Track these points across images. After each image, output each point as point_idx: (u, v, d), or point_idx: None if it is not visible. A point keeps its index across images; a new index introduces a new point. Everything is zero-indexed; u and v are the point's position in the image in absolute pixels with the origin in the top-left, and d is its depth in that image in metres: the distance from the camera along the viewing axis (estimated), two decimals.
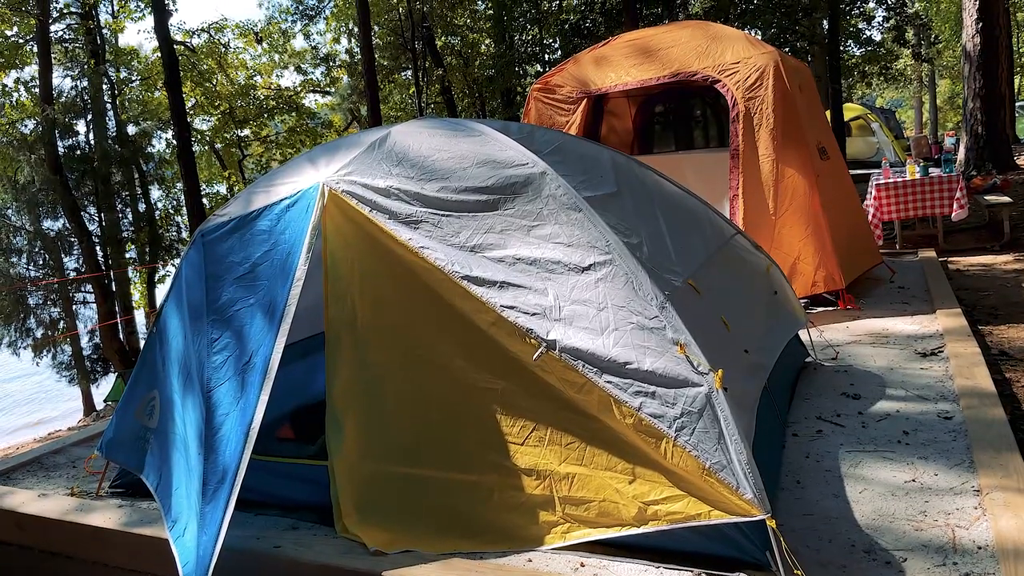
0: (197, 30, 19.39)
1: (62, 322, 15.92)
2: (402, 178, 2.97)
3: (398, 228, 2.79)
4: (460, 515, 2.62)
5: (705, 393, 2.37)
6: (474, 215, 2.88)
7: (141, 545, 2.94)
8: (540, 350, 2.52)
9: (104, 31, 18.73)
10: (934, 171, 8.07)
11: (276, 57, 23.95)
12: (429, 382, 2.74)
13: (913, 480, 2.79)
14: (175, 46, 16.55)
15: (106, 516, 3.11)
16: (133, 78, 18.84)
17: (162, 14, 13.84)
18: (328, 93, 23.87)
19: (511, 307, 2.61)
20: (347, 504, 2.71)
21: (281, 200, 3.01)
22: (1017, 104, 27.00)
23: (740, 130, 5.75)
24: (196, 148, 19.75)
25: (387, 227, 2.79)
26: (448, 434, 2.70)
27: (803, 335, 4.38)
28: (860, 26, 19.11)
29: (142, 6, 18.63)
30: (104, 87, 17.39)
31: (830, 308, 5.59)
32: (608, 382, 2.45)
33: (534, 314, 2.59)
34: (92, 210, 16.46)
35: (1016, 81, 32.45)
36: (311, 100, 22.73)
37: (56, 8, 17.66)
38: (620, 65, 6.53)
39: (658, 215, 3.59)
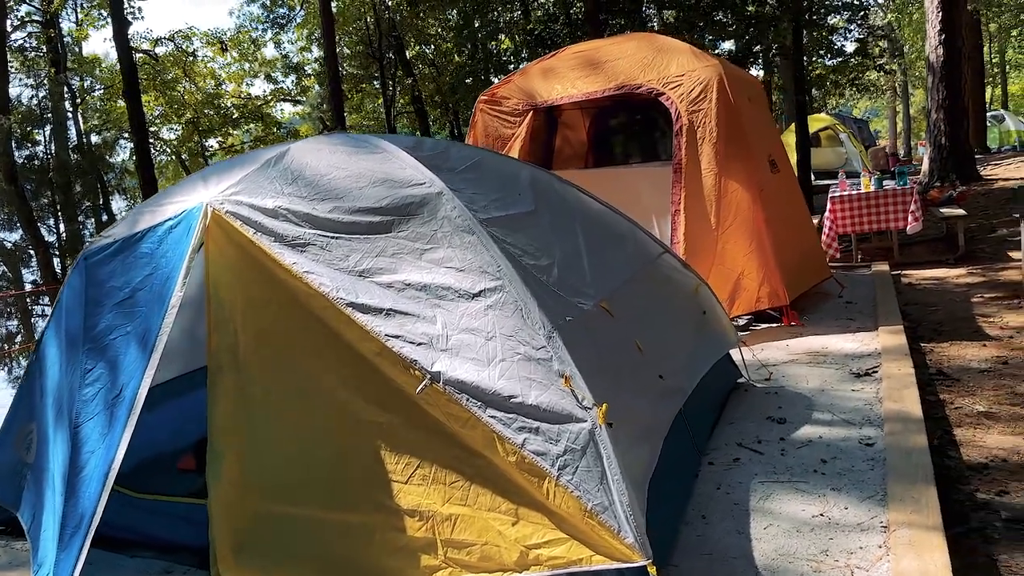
0: (163, 38, 19.12)
1: (19, 335, 15.58)
2: (294, 198, 2.83)
3: (283, 251, 2.64)
4: (341, 559, 2.47)
5: (588, 429, 2.24)
6: (366, 237, 2.73)
7: None
8: (424, 382, 2.38)
9: (67, 39, 18.46)
10: (888, 184, 8.04)
11: (247, 66, 23.71)
12: (313, 415, 2.59)
13: (822, 514, 2.68)
14: (139, 55, 16.33)
15: None
16: (96, 87, 18.52)
17: (121, 23, 13.63)
18: (299, 102, 23.67)
19: (396, 336, 2.46)
20: (224, 546, 2.55)
21: (165, 221, 2.85)
22: (988, 114, 27.37)
23: (683, 144, 5.66)
24: (162, 158, 19.51)
25: (271, 250, 2.64)
26: (331, 471, 2.55)
27: (738, 355, 4.27)
28: (832, 37, 19.23)
29: (105, 14, 18.34)
30: (66, 96, 17.11)
31: (774, 324, 5.50)
32: (492, 417, 2.31)
33: (420, 344, 2.45)
34: (53, 221, 16.17)
35: (988, 92, 32.88)
36: (282, 109, 22.50)
37: (17, 16, 17.39)
38: (567, 77, 6.43)
39: (578, 234, 3.48)
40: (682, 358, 3.50)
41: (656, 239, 4.03)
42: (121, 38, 13.38)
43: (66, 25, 18.62)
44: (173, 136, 20.63)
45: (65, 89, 16.64)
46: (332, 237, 2.72)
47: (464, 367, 2.39)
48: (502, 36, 17.37)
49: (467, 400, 2.34)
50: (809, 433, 3.43)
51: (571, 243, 3.37)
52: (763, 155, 6.06)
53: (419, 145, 3.39)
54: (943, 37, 12.88)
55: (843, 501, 2.76)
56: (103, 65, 18.68)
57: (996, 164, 17.57)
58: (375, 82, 19.26)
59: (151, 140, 19.46)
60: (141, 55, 18.11)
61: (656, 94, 5.87)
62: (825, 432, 3.42)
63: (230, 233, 2.71)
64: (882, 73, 21.22)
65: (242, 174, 2.95)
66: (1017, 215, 6.00)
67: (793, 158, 13.36)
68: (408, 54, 20.22)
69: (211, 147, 19.95)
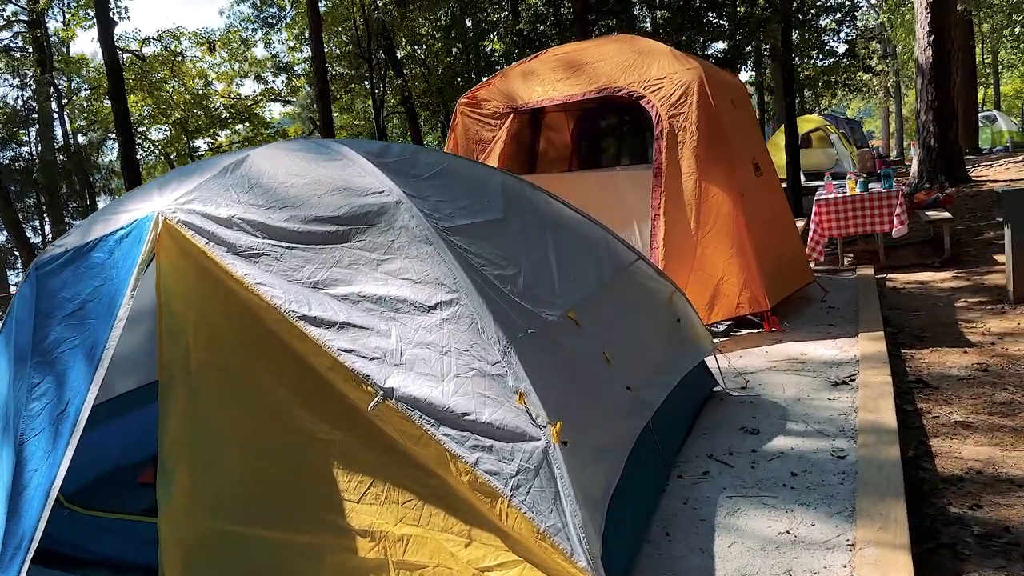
0: (151, 38, 19.00)
1: None
2: (249, 206, 2.76)
3: (236, 262, 2.57)
4: None
5: (542, 448, 2.18)
6: (322, 248, 2.66)
7: None
8: (376, 398, 2.31)
9: (53, 39, 18.32)
10: (874, 187, 7.99)
11: (236, 66, 23.59)
12: (265, 431, 2.52)
13: (788, 531, 2.61)
14: (126, 55, 16.22)
15: None
16: (83, 87, 18.40)
17: (107, 23, 13.49)
18: (289, 102, 23.57)
19: (349, 350, 2.40)
20: (172, 566, 2.48)
21: (117, 231, 2.77)
22: (980, 115, 27.39)
23: (664, 147, 5.60)
24: (151, 159, 19.39)
25: (224, 261, 2.57)
26: (282, 489, 2.48)
27: (716, 363, 4.21)
28: (824, 38, 19.21)
29: (92, 14, 18.22)
30: (52, 96, 16.98)
31: (755, 330, 5.44)
32: (445, 435, 2.25)
33: (374, 358, 2.39)
34: (39, 223, 16.04)
35: (980, 92, 32.92)
36: (270, 110, 22.39)
37: (3, 16, 17.26)
38: (548, 79, 6.37)
39: (548, 241, 3.42)
40: (653, 368, 3.43)
41: (630, 246, 3.97)
42: (107, 38, 13.26)
43: (52, 25, 18.49)
44: (161, 136, 20.50)
45: (51, 89, 16.50)
46: (287, 247, 2.65)
47: (418, 383, 2.32)
48: (492, 36, 17.31)
49: (420, 417, 2.27)
50: (781, 445, 3.37)
51: (540, 251, 3.31)
52: (746, 159, 6.01)
53: (385, 151, 3.31)
54: (932, 39, 12.85)
55: (811, 517, 2.70)
56: (90, 65, 18.54)
57: (987, 165, 17.57)
58: (365, 82, 19.16)
59: (139, 141, 19.36)
60: (128, 55, 17.99)
61: (637, 97, 5.81)
62: (798, 444, 3.36)
63: (182, 243, 2.64)
64: (872, 75, 21.20)
65: (198, 181, 2.88)
66: (1002, 219, 5.96)
67: (782, 159, 13.35)
68: (399, 54, 20.14)
69: (199, 148, 19.82)
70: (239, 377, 2.57)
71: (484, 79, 6.91)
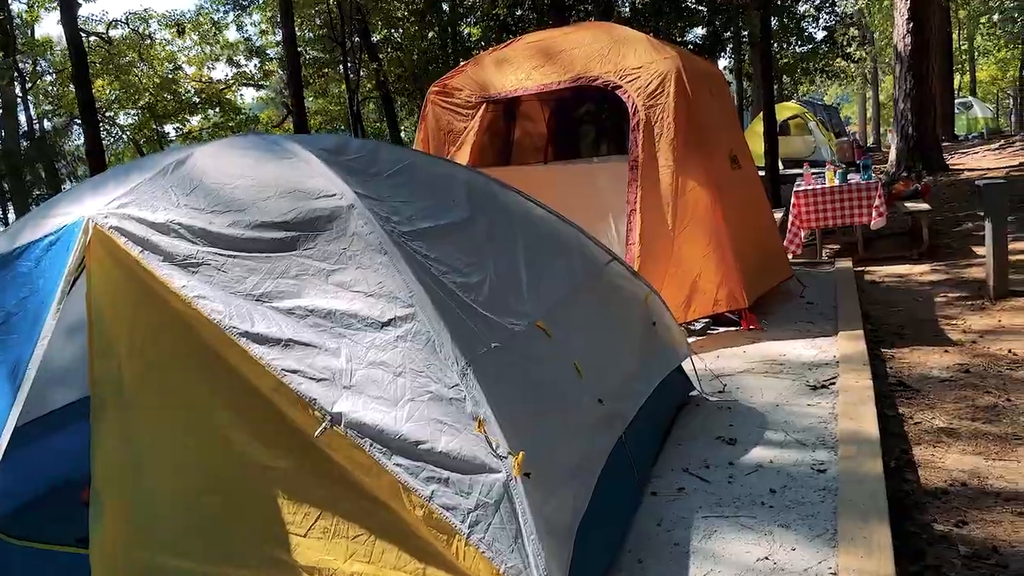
0: (118, 21, 18.47)
1: None
2: (190, 210, 2.54)
3: (172, 272, 2.36)
4: None
5: (503, 481, 2.00)
6: (267, 256, 2.46)
7: None
8: (324, 425, 2.13)
9: (17, 21, 17.73)
10: (853, 178, 7.88)
11: (207, 49, 23.05)
12: (204, 457, 2.32)
13: (767, 557, 2.47)
14: (92, 37, 15.75)
15: None
16: (48, 71, 17.87)
17: (70, 5, 13.05)
18: (262, 86, 23.09)
19: (295, 371, 2.20)
20: None
21: (45, 237, 2.55)
22: (957, 102, 27.49)
23: (640, 140, 5.42)
24: (119, 145, 18.93)
25: (159, 272, 2.36)
26: (223, 520, 2.29)
27: (692, 365, 4.06)
28: (803, 24, 19.10)
29: None
30: (15, 80, 16.46)
31: (732, 328, 5.30)
32: (398, 465, 2.06)
33: (321, 379, 2.19)
34: (2, 210, 15.58)
35: (956, 79, 33.04)
36: (242, 95, 21.91)
37: None
38: (522, 68, 6.15)
39: (517, 244, 3.23)
40: (626, 377, 3.27)
41: (604, 246, 3.79)
42: (70, 20, 12.81)
43: (16, 6, 17.89)
44: (130, 122, 20.00)
45: (14, 73, 15.98)
46: (229, 256, 2.44)
47: (369, 408, 2.14)
48: (469, 20, 17.00)
49: (371, 446, 2.09)
50: (760, 456, 3.23)
51: (509, 255, 3.12)
52: (723, 151, 5.85)
53: (343, 148, 3.10)
54: (911, 26, 12.76)
55: (791, 540, 2.56)
56: (55, 48, 18.00)
57: (963, 153, 17.62)
58: (340, 67, 18.78)
59: (106, 126, 18.88)
60: (94, 38, 17.49)
61: (612, 87, 5.62)
62: (776, 455, 3.22)
63: (113, 252, 2.42)
64: (850, 62, 21.15)
65: (136, 182, 2.66)
66: (983, 213, 5.86)
67: (761, 147, 13.23)
68: (375, 38, 19.75)
69: (169, 134, 19.36)
70: (177, 398, 2.37)
71: (461, 65, 6.67)
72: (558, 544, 2.09)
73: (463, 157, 5.99)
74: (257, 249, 2.47)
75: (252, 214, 2.55)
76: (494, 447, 2.04)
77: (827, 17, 16.16)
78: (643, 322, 3.73)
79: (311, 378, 2.19)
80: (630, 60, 5.62)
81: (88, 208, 2.53)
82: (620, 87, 5.57)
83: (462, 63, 6.66)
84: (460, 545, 1.98)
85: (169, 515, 2.33)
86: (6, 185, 15.00)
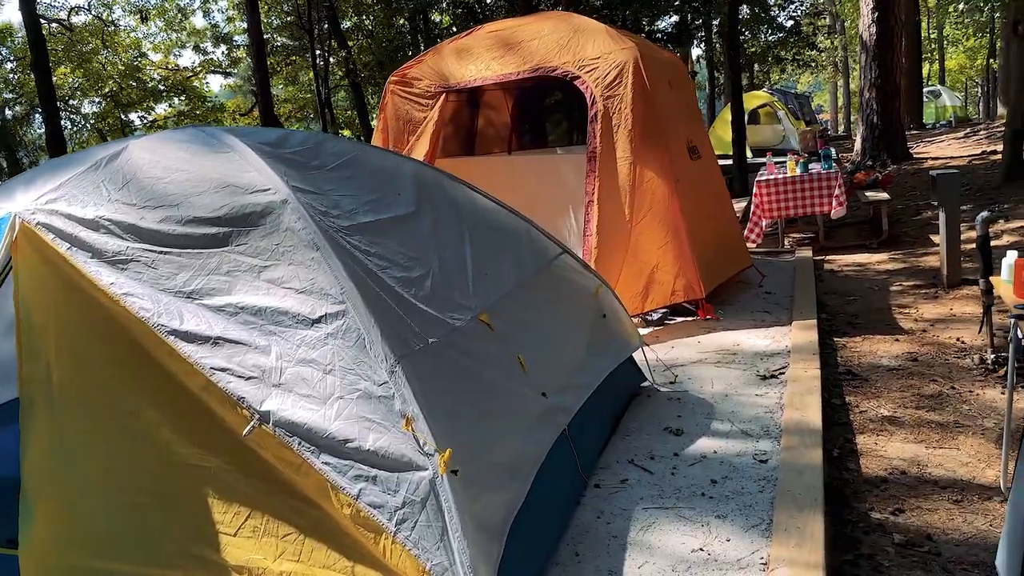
0: (79, 7, 18.09)
1: None
2: (121, 205, 2.50)
3: (100, 270, 2.33)
4: None
5: (429, 479, 2.00)
6: (199, 252, 2.42)
7: None
8: (252, 423, 2.11)
9: None
10: (815, 168, 7.94)
11: (174, 35, 22.67)
12: (134, 457, 2.30)
13: (702, 548, 2.49)
14: (54, 24, 15.43)
15: None
16: (9, 58, 17.48)
17: None
18: (230, 74, 22.75)
19: (223, 369, 2.18)
20: None
21: None
22: (925, 90, 27.78)
23: (598, 131, 5.41)
24: (83, 134, 18.60)
25: (86, 269, 2.32)
26: (153, 521, 2.26)
27: (644, 356, 4.08)
28: (772, 12, 19.17)
29: None
30: None
31: (689, 318, 5.34)
32: (326, 463, 2.06)
33: (250, 378, 2.18)
34: None
35: (925, 68, 33.40)
36: (208, 83, 21.56)
37: None
38: (482, 58, 6.11)
39: (464, 237, 3.22)
40: (573, 370, 3.28)
41: (555, 239, 3.79)
42: (28, 6, 12.54)
43: None
44: (94, 110, 19.64)
45: None
46: (160, 252, 2.40)
47: (298, 406, 2.12)
48: (438, 7, 16.85)
49: (299, 444, 2.08)
50: (704, 447, 3.26)
51: (454, 247, 3.11)
52: (682, 142, 5.87)
53: (284, 141, 3.06)
54: (876, 16, 12.88)
55: (726, 531, 2.59)
56: (16, 35, 17.60)
57: (929, 141, 17.83)
58: (308, 55, 18.54)
59: (70, 114, 18.53)
60: (56, 24, 17.14)
61: (571, 77, 5.61)
62: (721, 446, 3.25)
63: (41, 249, 2.38)
64: (816, 52, 21.28)
65: (67, 176, 2.61)
66: (936, 203, 5.94)
67: (730, 135, 13.29)
68: (345, 24, 19.53)
69: (134, 122, 19.02)
70: (106, 397, 2.34)
71: (420, 54, 6.61)
72: (487, 540, 2.10)
73: (422, 147, 5.95)
74: (188, 245, 2.44)
75: (184, 209, 2.51)
76: (421, 444, 2.03)
77: (795, 6, 16.22)
78: (593, 314, 3.74)
79: (240, 376, 2.17)
80: (588, 50, 5.61)
81: (17, 204, 2.47)
82: (579, 77, 5.56)
83: (423, 52, 6.60)
84: (387, 543, 1.98)
85: (100, 516, 2.31)
86: None
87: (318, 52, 17.48)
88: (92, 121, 18.64)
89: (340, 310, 2.26)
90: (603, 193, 5.31)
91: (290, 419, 2.10)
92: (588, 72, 5.55)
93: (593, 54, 5.58)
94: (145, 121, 19.04)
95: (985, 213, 4.09)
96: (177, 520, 2.24)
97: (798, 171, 7.84)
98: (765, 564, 2.37)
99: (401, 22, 17.63)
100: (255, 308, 2.30)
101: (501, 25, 6.41)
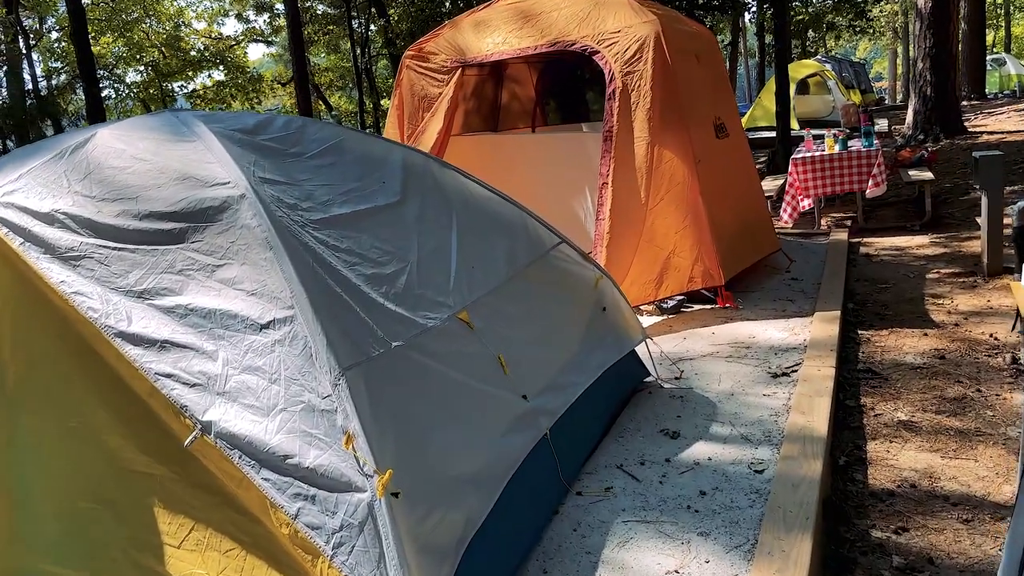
0: None
1: None
2: (80, 197, 2.41)
3: (52, 266, 2.25)
4: None
5: (368, 502, 1.88)
6: (153, 249, 2.33)
7: None
8: (194, 434, 2.02)
9: None
10: (854, 144, 7.56)
11: (216, 4, 22.74)
12: (82, 461, 2.23)
13: (677, 571, 2.34)
14: None
15: None
16: (55, 28, 17.73)
17: None
18: (272, 43, 22.78)
19: (168, 375, 2.09)
20: None
21: None
22: (989, 58, 26.48)
23: (616, 109, 5.17)
24: (128, 104, 18.85)
25: (37, 265, 2.25)
26: (100, 527, 2.20)
27: (647, 350, 3.90)
28: None
29: None
30: (19, 37, 16.33)
31: (707, 306, 5.12)
32: (266, 479, 1.96)
33: (195, 385, 2.08)
34: None
35: (989, 35, 31.82)
36: (250, 52, 21.58)
37: None
38: (500, 31, 5.90)
39: (452, 227, 3.08)
40: (562, 368, 3.13)
41: (553, 228, 3.61)
42: None
43: None
44: (139, 79, 19.85)
45: (17, 30, 15.86)
46: (114, 248, 2.31)
47: (240, 417, 2.02)
48: None
49: (240, 458, 1.98)
50: (699, 453, 3.09)
51: (439, 239, 2.97)
52: (707, 120, 5.60)
53: (263, 127, 2.93)
54: None
55: (707, 551, 2.43)
56: (58, 5, 17.82)
57: (988, 112, 16.96)
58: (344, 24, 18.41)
59: (115, 84, 18.77)
60: None
61: (590, 52, 5.37)
62: (716, 452, 3.08)
63: None
64: (864, 22, 20.37)
65: (31, 165, 2.54)
66: (977, 185, 5.58)
67: (773, 108, 12.79)
68: None
69: (175, 92, 19.17)
70: (57, 398, 2.27)
71: (438, 27, 6.41)
72: (434, 563, 1.98)
73: (436, 124, 5.78)
74: (143, 241, 2.34)
75: (142, 203, 2.41)
76: (361, 464, 1.92)
77: None
78: (591, 307, 3.58)
79: (184, 383, 2.08)
80: (609, 23, 5.35)
81: None
82: (597, 52, 5.32)
83: (441, 24, 6.40)
84: (324, 567, 1.88)
85: (49, 520, 2.25)
86: (11, 143, 14.97)
87: (358, 20, 17.31)
88: (136, 90, 18.83)
89: (289, 315, 2.15)
90: (618, 175, 5.08)
91: (231, 431, 2.00)
92: (607, 47, 5.30)
93: (613, 27, 5.32)
94: (185, 91, 19.21)
95: (1022, 203, 3.78)
96: (123, 528, 2.17)
97: (837, 148, 7.47)
98: None
99: None
100: (205, 310, 2.20)
101: None
